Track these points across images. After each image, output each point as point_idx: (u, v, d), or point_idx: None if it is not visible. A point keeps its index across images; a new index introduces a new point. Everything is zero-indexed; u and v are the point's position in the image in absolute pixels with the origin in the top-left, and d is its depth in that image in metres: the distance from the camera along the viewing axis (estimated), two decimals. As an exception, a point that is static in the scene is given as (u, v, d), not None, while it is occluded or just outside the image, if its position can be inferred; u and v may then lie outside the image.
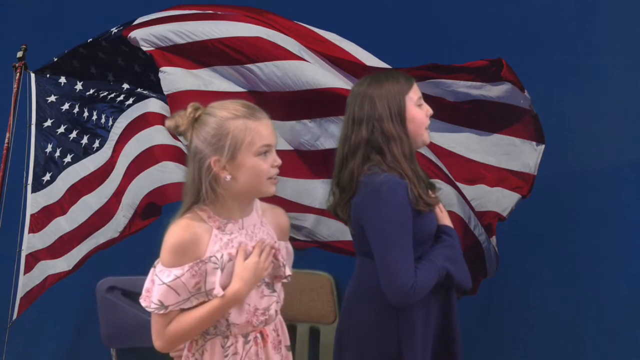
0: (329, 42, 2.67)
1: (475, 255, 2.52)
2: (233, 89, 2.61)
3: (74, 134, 2.99)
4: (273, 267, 2.02)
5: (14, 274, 2.98)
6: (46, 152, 3.00)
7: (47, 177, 3.00)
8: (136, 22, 2.71)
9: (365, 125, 2.13)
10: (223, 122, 1.91)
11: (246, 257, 1.96)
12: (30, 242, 2.98)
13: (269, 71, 2.52)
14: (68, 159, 2.98)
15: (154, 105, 2.87)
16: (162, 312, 1.91)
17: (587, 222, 3.05)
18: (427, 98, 2.34)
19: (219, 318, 1.96)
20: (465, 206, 2.50)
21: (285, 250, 2.09)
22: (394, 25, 3.19)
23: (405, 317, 2.12)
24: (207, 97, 2.41)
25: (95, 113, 2.95)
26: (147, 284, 1.94)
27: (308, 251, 2.75)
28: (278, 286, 2.07)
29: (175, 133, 1.99)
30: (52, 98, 3.00)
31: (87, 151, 2.97)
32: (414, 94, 2.18)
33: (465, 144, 2.67)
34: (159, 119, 2.82)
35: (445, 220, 2.26)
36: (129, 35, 2.64)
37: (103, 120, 2.94)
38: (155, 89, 2.76)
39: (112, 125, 2.92)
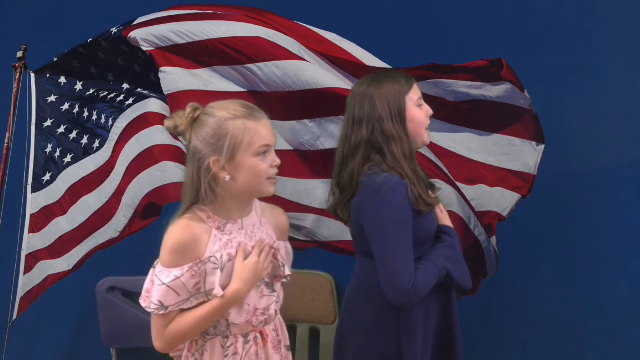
0: (329, 42, 2.67)
1: (475, 255, 2.52)
2: (233, 89, 2.61)
3: (74, 134, 2.99)
4: (272, 267, 2.02)
5: (14, 274, 2.98)
6: (46, 152, 3.00)
7: (47, 177, 3.00)
8: (136, 22, 2.71)
9: (366, 126, 2.13)
10: (222, 123, 1.91)
11: (246, 257, 1.96)
12: (30, 242, 2.98)
13: (269, 71, 2.52)
14: (68, 159, 2.98)
15: (154, 105, 2.87)
16: (162, 312, 1.91)
17: (587, 222, 3.05)
18: (427, 98, 2.34)
19: (218, 318, 1.96)
20: (465, 206, 2.50)
21: (285, 250, 2.09)
22: (394, 25, 3.19)
23: (406, 317, 2.12)
24: (207, 97, 2.41)
25: (95, 113, 2.95)
26: (146, 284, 1.94)
27: (308, 251, 2.75)
28: (278, 286, 2.07)
29: (174, 133, 1.99)
30: (52, 98, 2.99)
31: (87, 151, 2.97)
32: (414, 94, 2.18)
33: (465, 144, 2.67)
34: (159, 119, 2.81)
35: (446, 220, 2.26)
36: (129, 35, 2.64)
37: (103, 120, 2.94)
38: (155, 89, 2.76)
39: (112, 125, 2.92)
